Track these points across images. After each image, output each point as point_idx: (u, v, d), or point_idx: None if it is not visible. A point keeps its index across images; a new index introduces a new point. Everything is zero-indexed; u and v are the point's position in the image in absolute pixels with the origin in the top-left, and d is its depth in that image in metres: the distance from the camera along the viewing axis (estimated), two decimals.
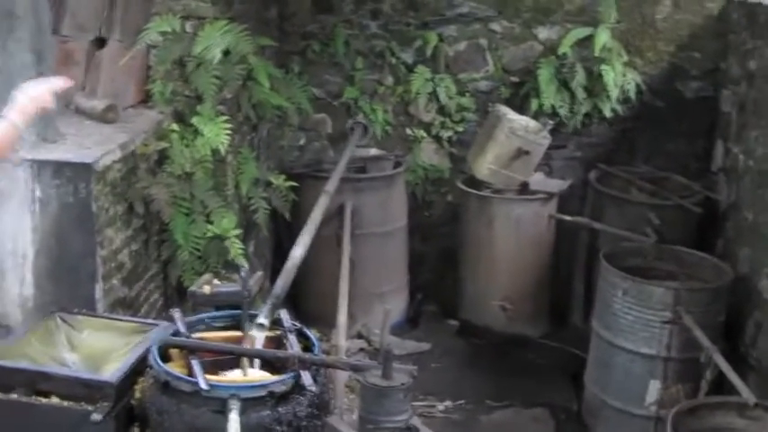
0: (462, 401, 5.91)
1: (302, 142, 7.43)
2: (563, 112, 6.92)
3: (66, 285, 4.65)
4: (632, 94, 6.88)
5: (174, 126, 5.42)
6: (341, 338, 5.07)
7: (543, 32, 7.04)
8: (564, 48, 6.81)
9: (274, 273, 5.70)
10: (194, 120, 5.44)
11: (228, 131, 5.43)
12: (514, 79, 7.14)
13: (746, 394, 4.23)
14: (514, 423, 5.70)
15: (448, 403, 5.86)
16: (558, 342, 6.73)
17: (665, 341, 5.21)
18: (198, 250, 5.37)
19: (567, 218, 6.74)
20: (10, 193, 4.58)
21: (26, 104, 3.32)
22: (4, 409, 3.43)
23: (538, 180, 6.87)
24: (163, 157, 5.32)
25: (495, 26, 7.09)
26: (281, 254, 6.74)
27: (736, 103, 6.36)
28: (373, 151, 7.29)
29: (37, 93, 3.37)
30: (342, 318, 5.24)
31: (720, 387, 4.85)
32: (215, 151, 5.41)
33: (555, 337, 6.83)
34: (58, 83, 3.46)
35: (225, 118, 5.49)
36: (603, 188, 6.69)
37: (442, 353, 6.55)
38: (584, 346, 5.92)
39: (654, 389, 5.31)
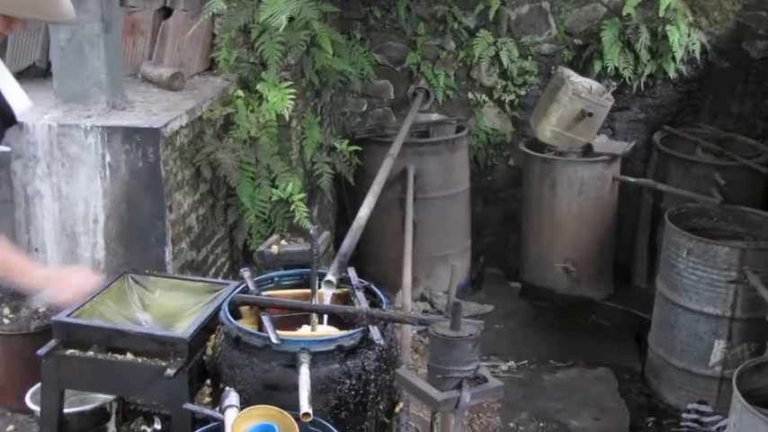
0: (525, 361, 5.95)
1: (364, 109, 7.48)
2: (627, 73, 6.86)
3: (136, 249, 4.77)
4: (697, 55, 6.80)
5: (240, 92, 5.49)
6: (407, 298, 5.12)
7: None
8: (628, 9, 6.74)
9: (337, 239, 5.76)
10: (259, 86, 5.51)
11: (292, 97, 5.49)
12: (578, 42, 7.10)
13: None
14: (578, 382, 5.72)
15: (511, 363, 5.91)
16: (622, 304, 6.74)
17: (730, 301, 5.18)
18: (263, 214, 5.45)
19: (631, 180, 6.72)
20: (81, 160, 4.70)
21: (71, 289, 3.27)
22: (81, 365, 3.51)
23: (601, 142, 6.84)
24: (228, 123, 5.40)
25: None
26: (343, 219, 6.83)
27: None
28: (435, 116, 7.33)
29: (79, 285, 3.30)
30: (407, 278, 5.29)
31: None
32: (279, 116, 5.49)
33: (618, 298, 6.84)
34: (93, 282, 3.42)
35: (289, 84, 5.55)
36: (668, 150, 6.66)
37: (504, 315, 6.58)
38: (647, 308, 5.93)
39: (718, 349, 5.30)
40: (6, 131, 3.17)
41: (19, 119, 3.20)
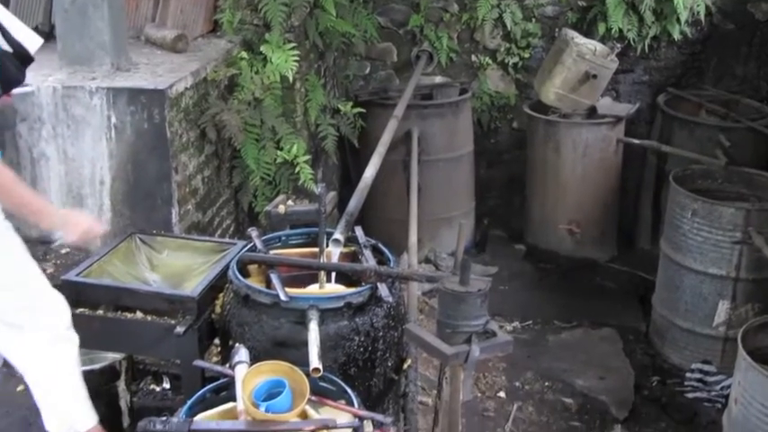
0: (530, 322, 5.99)
1: (367, 71, 7.47)
2: (631, 35, 6.85)
3: (142, 210, 4.78)
4: (702, 17, 6.79)
5: (243, 54, 5.49)
6: (413, 258, 5.14)
7: None
8: None
9: (341, 201, 5.77)
10: (263, 47, 5.51)
11: (296, 59, 5.49)
12: (582, 3, 7.07)
13: None
14: (582, 342, 5.75)
15: (516, 324, 5.94)
16: (626, 265, 6.76)
17: (735, 261, 5.21)
18: (268, 176, 5.46)
19: (636, 141, 6.72)
20: (86, 121, 4.71)
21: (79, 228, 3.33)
22: (91, 323, 3.52)
23: (605, 104, 6.84)
24: (232, 85, 5.40)
25: None
26: (348, 182, 6.84)
27: None
28: (439, 79, 7.32)
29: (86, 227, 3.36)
30: (413, 238, 5.31)
31: None
32: (283, 78, 5.49)
33: (622, 260, 6.86)
34: (100, 229, 3.46)
35: (292, 45, 5.55)
36: (672, 112, 6.65)
37: (509, 276, 6.61)
38: (651, 269, 5.96)
39: (723, 309, 5.32)
40: (25, 70, 3.19)
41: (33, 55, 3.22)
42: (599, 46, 6.54)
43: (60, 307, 3.26)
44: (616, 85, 7.10)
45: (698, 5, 6.72)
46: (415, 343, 3.16)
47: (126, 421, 3.81)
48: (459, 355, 2.80)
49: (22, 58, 3.15)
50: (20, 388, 4.37)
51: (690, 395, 5.27)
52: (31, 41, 3.22)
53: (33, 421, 4.16)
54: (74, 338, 3.29)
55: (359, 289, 3.37)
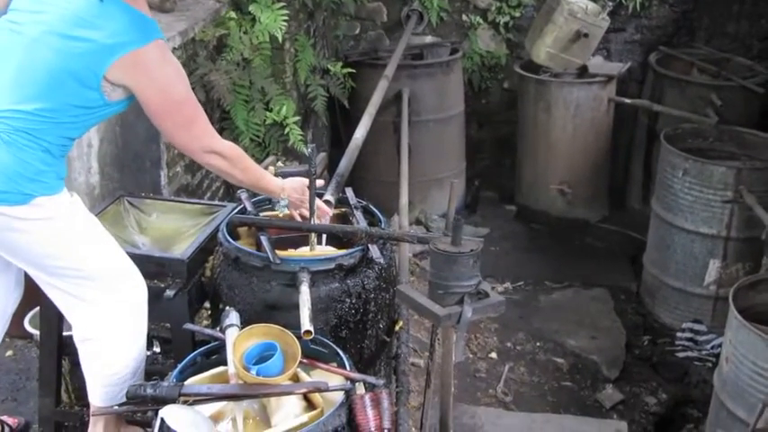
0: (522, 283, 5.99)
1: (357, 31, 7.41)
2: None
3: (131, 172, 4.73)
4: None
5: (232, 13, 5.41)
6: (404, 219, 5.12)
7: None
8: None
9: (331, 162, 5.73)
10: (251, 7, 5.43)
11: (285, 18, 5.42)
12: None
13: None
14: (574, 302, 5.77)
15: (507, 285, 5.94)
16: (617, 225, 6.77)
17: (726, 220, 5.21)
18: (258, 137, 5.41)
19: (627, 101, 6.70)
20: None
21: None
22: None
23: (596, 63, 6.82)
24: (221, 45, 5.33)
25: None
26: (338, 143, 6.79)
27: None
28: (429, 39, 7.27)
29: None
30: (403, 199, 5.29)
31: None
32: (273, 38, 5.41)
33: (613, 220, 6.87)
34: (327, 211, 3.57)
35: (281, 5, 5.47)
36: (664, 70, 6.62)
37: (500, 237, 6.61)
38: (642, 229, 5.96)
39: (713, 268, 5.33)
40: None
41: None
42: (590, 4, 6.48)
43: (135, 282, 3.22)
44: (607, 44, 7.07)
45: None
46: (407, 304, 3.14)
47: None
48: (451, 316, 2.77)
49: None
50: (9, 353, 4.37)
51: (681, 354, 5.29)
52: None
53: (23, 386, 4.16)
54: (143, 316, 3.27)
55: (350, 251, 3.34)
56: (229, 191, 5.60)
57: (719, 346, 4.54)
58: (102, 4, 2.89)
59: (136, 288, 3.22)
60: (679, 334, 5.40)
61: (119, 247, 3.25)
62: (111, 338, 3.19)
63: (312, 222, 3.46)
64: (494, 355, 5.15)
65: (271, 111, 5.42)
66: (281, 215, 3.56)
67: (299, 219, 3.50)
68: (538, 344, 5.28)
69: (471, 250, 2.78)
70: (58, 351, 3.64)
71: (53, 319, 3.56)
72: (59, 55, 2.87)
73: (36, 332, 3.75)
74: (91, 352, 3.23)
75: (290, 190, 3.44)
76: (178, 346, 3.42)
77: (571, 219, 6.78)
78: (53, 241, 3.01)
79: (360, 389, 2.80)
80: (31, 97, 2.88)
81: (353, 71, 6.44)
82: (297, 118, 5.49)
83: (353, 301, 3.28)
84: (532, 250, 6.47)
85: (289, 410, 2.77)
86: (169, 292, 3.36)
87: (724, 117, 5.91)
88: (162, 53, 2.99)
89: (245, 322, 3.02)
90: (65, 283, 3.10)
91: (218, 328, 3.10)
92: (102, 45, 2.85)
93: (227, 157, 3.20)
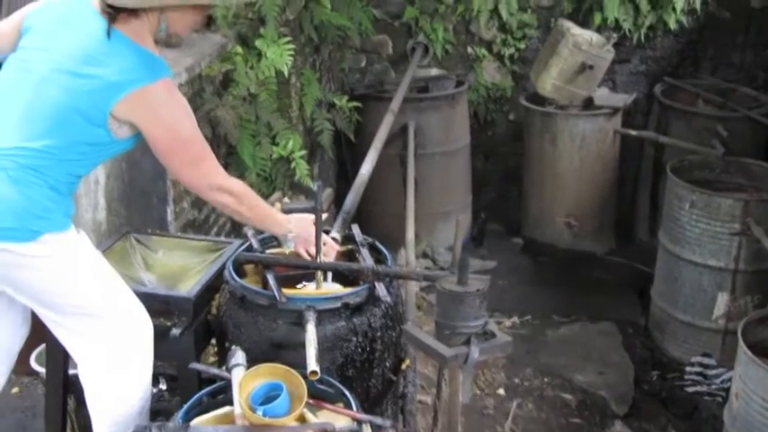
0: (529, 317, 5.96)
1: (363, 64, 7.43)
2: (627, 25, 6.84)
3: (138, 208, 4.74)
4: (698, 5, 6.78)
5: (238, 49, 5.44)
6: (410, 254, 5.11)
7: None
8: None
9: (338, 196, 5.73)
10: (257, 42, 5.46)
11: (291, 53, 5.45)
12: None
13: None
14: (581, 337, 5.74)
15: (515, 319, 5.92)
16: (624, 258, 6.74)
17: (734, 253, 5.19)
18: (264, 172, 5.43)
19: (633, 132, 6.71)
20: None
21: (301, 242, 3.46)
22: None
23: (602, 95, 6.82)
24: (227, 80, 5.35)
25: None
26: (344, 177, 6.81)
27: None
28: (434, 71, 7.28)
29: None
30: (410, 234, 5.28)
31: None
32: (279, 73, 5.45)
33: (620, 252, 6.85)
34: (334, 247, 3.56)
35: (287, 40, 5.51)
36: (669, 102, 6.63)
37: (507, 270, 6.58)
38: (650, 262, 5.94)
39: (722, 301, 5.31)
40: None
41: None
42: (595, 36, 6.50)
43: (141, 319, 3.21)
44: (612, 76, 7.08)
45: None
46: (414, 345, 3.12)
47: None
48: (458, 356, 2.76)
49: None
50: (15, 390, 4.36)
51: (690, 389, 5.25)
52: None
53: (28, 424, 4.15)
54: (149, 354, 3.25)
55: (356, 289, 3.33)
56: (236, 226, 5.60)
57: (729, 380, 4.52)
58: (110, 42, 2.90)
59: (141, 326, 3.20)
60: (688, 368, 5.37)
61: (125, 284, 3.24)
62: (115, 377, 3.17)
63: (318, 260, 3.45)
64: (501, 391, 5.12)
65: (277, 145, 5.44)
66: (287, 252, 3.55)
67: (306, 256, 3.49)
68: (546, 379, 5.25)
69: (478, 290, 2.78)
70: (63, 389, 3.63)
71: (59, 357, 3.55)
72: (66, 92, 2.88)
73: (42, 370, 3.75)
74: (96, 390, 3.22)
75: (296, 227, 3.44)
76: (184, 384, 3.41)
77: (578, 252, 6.76)
78: (58, 278, 3.00)
79: (366, 430, 2.79)
80: (39, 135, 2.88)
81: (359, 105, 6.48)
82: (303, 152, 5.50)
83: (360, 340, 3.27)
84: (539, 284, 6.44)
85: None
86: (175, 331, 3.35)
87: (730, 148, 5.91)
88: (169, 91, 3.01)
89: (251, 361, 3.01)
90: (69, 321, 3.10)
91: (224, 368, 3.09)
92: (109, 82, 2.87)
93: (235, 195, 3.20)
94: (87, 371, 3.19)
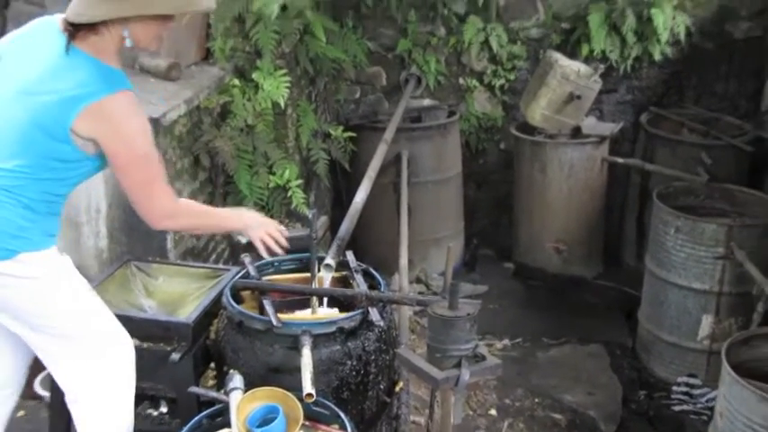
0: (520, 339, 5.97)
1: (358, 95, 7.45)
2: (613, 56, 6.86)
3: (138, 236, 4.75)
4: (682, 37, 6.80)
5: (236, 81, 5.49)
6: (404, 280, 5.13)
7: None
8: None
9: (333, 223, 5.75)
10: (254, 74, 5.51)
11: (287, 85, 5.50)
12: (565, 26, 7.07)
13: None
14: (571, 358, 5.75)
15: (506, 341, 5.93)
16: (612, 282, 6.75)
17: (718, 276, 5.22)
18: (262, 201, 5.47)
19: (620, 160, 6.73)
20: None
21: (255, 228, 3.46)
22: None
23: (590, 124, 6.85)
24: (225, 112, 5.40)
25: None
26: (339, 204, 6.83)
27: None
28: (427, 102, 7.32)
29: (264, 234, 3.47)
30: (403, 260, 5.30)
31: None
32: (275, 104, 5.49)
33: (608, 276, 6.85)
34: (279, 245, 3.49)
35: (283, 72, 5.55)
36: (655, 130, 6.66)
37: (498, 294, 6.60)
38: (637, 285, 5.95)
39: (706, 323, 5.33)
40: None
41: None
42: (582, 67, 6.55)
43: (121, 339, 3.22)
44: (600, 105, 7.10)
45: (677, 26, 6.73)
46: (407, 368, 3.15)
47: None
48: (449, 379, 2.80)
49: None
50: (21, 413, 4.36)
51: (676, 408, 5.27)
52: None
53: None
54: (131, 373, 3.26)
55: (350, 314, 3.37)
56: (234, 253, 5.63)
57: (714, 399, 4.53)
58: (68, 57, 2.90)
59: (121, 349, 3.20)
60: (674, 388, 5.39)
61: (105, 308, 3.23)
62: (96, 401, 3.18)
63: (313, 286, 3.49)
64: (493, 411, 5.13)
65: (274, 174, 5.48)
66: (243, 242, 3.57)
67: (262, 249, 3.46)
68: (536, 400, 5.26)
69: (468, 314, 2.81)
70: (66, 412, 3.64)
71: None
72: (28, 111, 2.88)
73: (46, 394, 3.77)
74: (79, 414, 3.23)
75: (249, 219, 3.49)
76: (184, 407, 3.44)
77: (567, 276, 6.78)
78: (36, 298, 3.00)
79: None
80: (9, 155, 2.89)
81: (354, 135, 6.51)
82: (299, 181, 5.54)
83: (354, 363, 3.30)
84: (530, 307, 6.46)
85: None
86: (175, 356, 3.39)
87: (714, 175, 5.94)
88: (128, 104, 2.95)
89: (248, 385, 3.04)
90: (48, 343, 3.10)
91: (222, 391, 3.12)
92: (67, 96, 2.86)
93: (185, 215, 3.24)
94: (69, 394, 3.21)
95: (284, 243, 3.47)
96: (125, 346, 3.21)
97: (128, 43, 2.96)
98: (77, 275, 3.21)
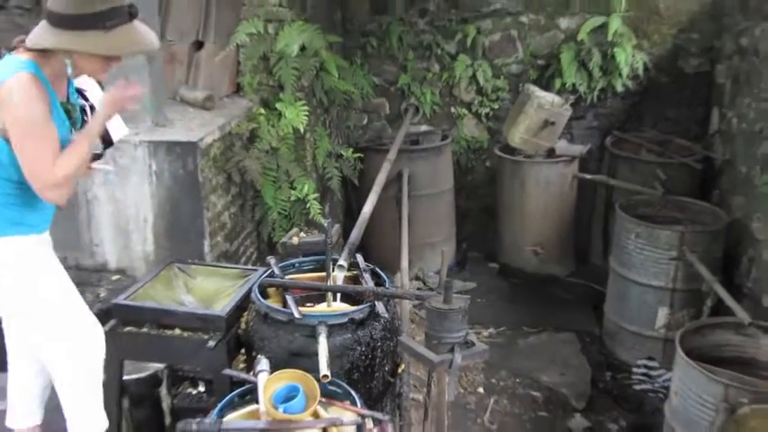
0: (503, 328, 5.97)
1: (365, 122, 7.46)
2: (582, 88, 6.86)
3: (179, 242, 4.77)
4: (640, 72, 6.81)
5: (262, 110, 5.50)
6: (405, 278, 5.13)
7: (564, 22, 6.96)
8: (582, 34, 6.74)
9: (345, 230, 5.73)
10: (278, 105, 5.52)
11: (306, 113, 5.50)
12: (541, 62, 7.08)
13: (742, 315, 4.21)
14: (547, 345, 5.74)
15: (492, 330, 5.92)
16: (582, 279, 6.75)
17: (672, 275, 5.22)
18: (284, 211, 5.47)
19: (588, 176, 6.72)
20: (131, 169, 4.69)
21: (111, 104, 3.04)
22: (137, 339, 3.52)
23: (562, 146, 6.84)
24: (253, 136, 5.40)
25: (523, 19, 7.03)
26: (350, 214, 6.83)
27: (729, 75, 6.27)
28: (424, 127, 7.32)
29: (120, 96, 3.05)
30: (404, 262, 5.30)
31: (717, 313, 4.85)
32: (295, 130, 5.50)
33: (579, 275, 6.84)
34: (136, 90, 3.10)
35: (302, 102, 5.56)
36: (617, 151, 6.66)
37: (485, 290, 6.59)
38: (603, 282, 5.94)
39: (662, 315, 5.32)
40: (105, 150, 3.22)
41: (115, 142, 3.24)
42: (556, 98, 6.55)
43: (95, 330, 3.18)
44: (570, 130, 7.09)
45: (637, 62, 6.74)
46: (407, 352, 3.14)
47: (168, 420, 3.80)
48: (444, 362, 2.79)
49: (105, 141, 3.18)
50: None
51: (637, 387, 5.26)
52: (116, 130, 3.21)
53: None
54: (96, 359, 3.17)
55: (360, 307, 3.37)
56: (261, 256, 5.63)
57: (670, 379, 4.52)
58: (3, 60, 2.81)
59: (85, 334, 3.13)
60: (635, 369, 5.37)
61: (73, 295, 3.13)
62: (68, 384, 3.14)
63: (328, 283, 3.48)
64: (481, 389, 5.12)
65: (294, 189, 5.47)
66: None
67: (114, 99, 3.03)
68: (517, 380, 5.25)
69: (460, 307, 2.81)
70: (119, 392, 3.65)
71: (115, 366, 3.57)
72: None
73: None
74: (61, 394, 3.20)
75: (106, 109, 3.02)
76: (218, 387, 3.43)
77: (544, 274, 6.76)
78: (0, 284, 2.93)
79: (369, 423, 2.81)
80: None
81: (362, 155, 6.52)
82: (316, 195, 5.54)
83: (363, 349, 3.29)
84: (512, 301, 6.45)
85: None
86: (211, 343, 3.38)
87: (669, 189, 5.93)
88: (20, 83, 2.73)
89: (273, 368, 3.03)
90: (21, 327, 3.06)
91: (251, 373, 3.11)
92: None
93: (70, 175, 2.84)
94: (48, 364, 3.13)
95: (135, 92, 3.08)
96: (88, 332, 3.12)
97: (68, 70, 2.84)
98: (52, 263, 3.07)
